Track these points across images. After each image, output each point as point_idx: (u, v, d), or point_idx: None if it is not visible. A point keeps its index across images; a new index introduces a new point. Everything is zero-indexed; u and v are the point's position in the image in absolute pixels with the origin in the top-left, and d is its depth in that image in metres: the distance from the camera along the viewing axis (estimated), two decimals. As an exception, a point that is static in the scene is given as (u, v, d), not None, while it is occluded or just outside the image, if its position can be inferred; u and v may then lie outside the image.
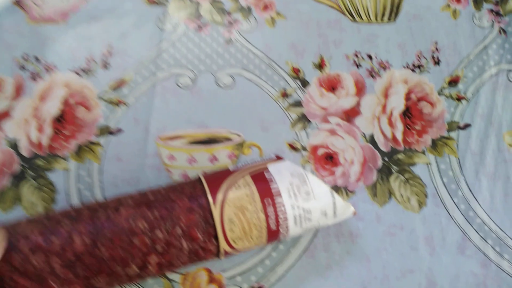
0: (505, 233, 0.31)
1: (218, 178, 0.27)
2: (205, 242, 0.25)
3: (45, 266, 0.23)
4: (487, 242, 0.31)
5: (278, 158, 0.29)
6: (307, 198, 0.26)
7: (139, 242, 0.24)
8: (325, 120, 0.34)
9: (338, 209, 0.27)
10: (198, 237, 0.25)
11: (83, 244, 0.23)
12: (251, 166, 0.28)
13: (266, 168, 0.27)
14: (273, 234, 0.26)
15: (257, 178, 0.27)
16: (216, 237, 0.25)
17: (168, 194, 0.26)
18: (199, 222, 0.25)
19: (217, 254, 0.26)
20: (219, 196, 0.26)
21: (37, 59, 0.35)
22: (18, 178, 0.31)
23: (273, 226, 0.26)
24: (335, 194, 0.27)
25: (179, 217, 0.25)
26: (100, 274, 0.24)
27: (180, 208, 0.25)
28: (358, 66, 0.35)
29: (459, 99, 0.35)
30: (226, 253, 0.27)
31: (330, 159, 0.33)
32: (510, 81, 0.35)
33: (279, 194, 0.26)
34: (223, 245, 0.26)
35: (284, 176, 0.27)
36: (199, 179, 0.27)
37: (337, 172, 0.32)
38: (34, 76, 0.34)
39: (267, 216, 0.26)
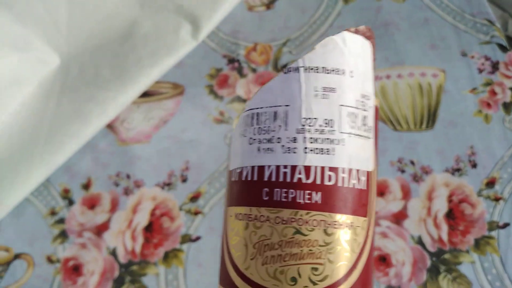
0: (551, 327, 0.34)
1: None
2: None
3: None
4: (535, 337, 0.34)
5: None
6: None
7: None
8: (376, 223, 0.38)
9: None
10: None
11: None
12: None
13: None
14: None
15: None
16: None
17: None
18: None
19: None
20: None
21: (128, 176, 0.42)
22: (118, 283, 0.37)
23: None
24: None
25: None
26: None
27: None
28: (402, 171, 0.40)
29: (497, 199, 0.38)
30: None
31: (383, 260, 0.37)
32: (543, 179, 0.39)
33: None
34: None
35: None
36: None
37: (391, 273, 0.36)
38: (126, 191, 0.41)
39: None
